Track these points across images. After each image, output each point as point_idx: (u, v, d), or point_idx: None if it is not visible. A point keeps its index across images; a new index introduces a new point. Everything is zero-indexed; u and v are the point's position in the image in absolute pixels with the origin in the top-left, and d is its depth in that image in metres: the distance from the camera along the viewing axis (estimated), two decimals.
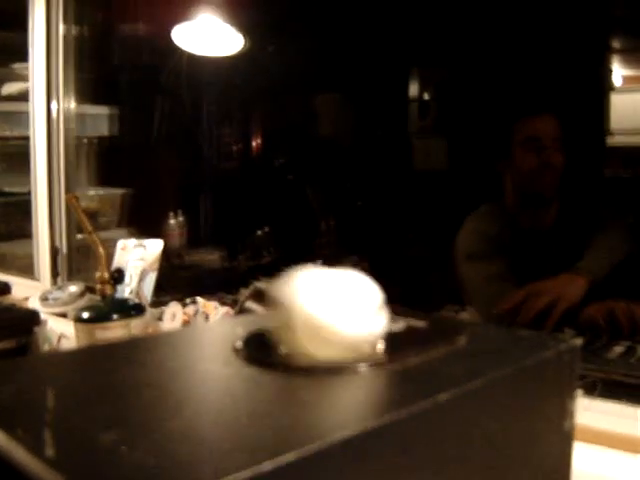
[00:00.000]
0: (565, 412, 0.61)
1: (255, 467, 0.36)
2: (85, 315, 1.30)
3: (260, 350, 0.56)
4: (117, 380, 0.52)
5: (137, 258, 1.68)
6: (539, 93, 2.12)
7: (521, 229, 1.76)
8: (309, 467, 0.39)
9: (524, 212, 1.76)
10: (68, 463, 0.38)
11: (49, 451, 0.39)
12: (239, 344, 0.58)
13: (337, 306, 0.53)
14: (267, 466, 0.37)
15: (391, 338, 0.59)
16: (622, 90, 2.45)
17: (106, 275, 1.33)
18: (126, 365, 0.56)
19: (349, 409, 0.48)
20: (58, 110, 2.07)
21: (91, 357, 0.61)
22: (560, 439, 0.61)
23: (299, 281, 0.55)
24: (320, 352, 0.53)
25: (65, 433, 0.42)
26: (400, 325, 0.64)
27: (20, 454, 0.39)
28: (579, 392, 0.65)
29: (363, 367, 0.53)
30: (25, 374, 0.54)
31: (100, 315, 1.30)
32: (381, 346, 0.57)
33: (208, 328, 0.76)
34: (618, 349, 1.36)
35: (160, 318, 1.57)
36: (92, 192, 2.38)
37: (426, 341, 0.60)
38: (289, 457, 0.38)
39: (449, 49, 2.36)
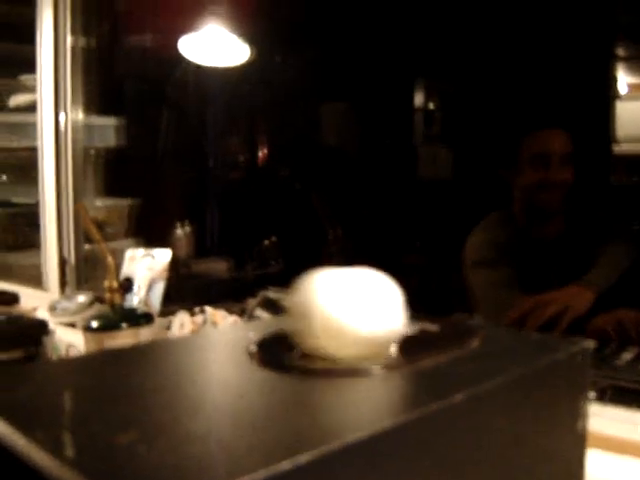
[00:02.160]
0: (578, 414, 0.61)
1: (271, 468, 0.36)
2: (94, 324, 1.30)
3: (274, 353, 0.57)
4: (132, 383, 0.52)
5: (145, 268, 1.68)
6: (548, 106, 2.12)
7: (529, 238, 1.76)
8: (324, 468, 0.39)
9: (531, 222, 1.77)
10: (88, 463, 0.38)
11: (69, 452, 0.40)
12: (253, 348, 0.59)
13: (356, 305, 0.53)
14: (283, 467, 0.37)
15: (405, 341, 0.59)
16: (628, 98, 2.45)
17: (115, 284, 1.34)
18: (141, 369, 0.56)
19: (364, 411, 0.48)
20: (66, 121, 2.08)
21: (105, 361, 0.61)
22: (573, 441, 0.61)
23: (317, 282, 0.55)
24: (340, 352, 0.54)
25: (83, 434, 0.42)
26: (414, 328, 0.64)
27: (40, 455, 0.39)
28: (591, 395, 0.65)
29: (378, 369, 0.53)
30: (41, 378, 0.54)
31: (109, 324, 1.30)
32: (395, 349, 0.57)
33: (221, 333, 0.76)
34: (627, 356, 1.36)
35: (169, 327, 1.57)
36: (99, 203, 2.38)
37: (440, 344, 0.60)
38: (304, 458, 0.38)
39: (455, 60, 2.36)
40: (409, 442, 0.44)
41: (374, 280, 0.56)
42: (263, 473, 0.36)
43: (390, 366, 0.54)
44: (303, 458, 0.38)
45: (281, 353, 0.56)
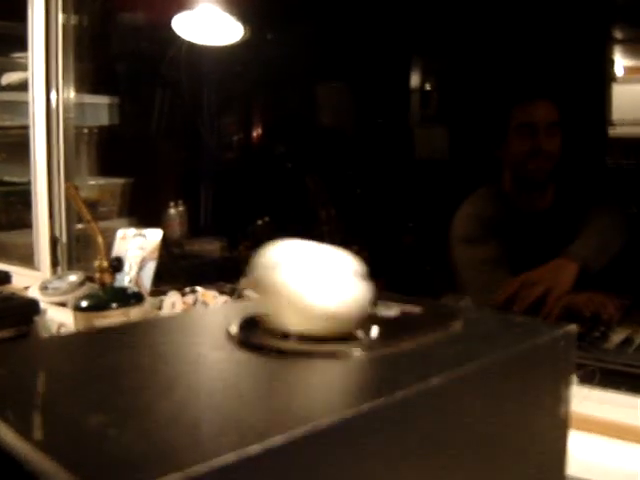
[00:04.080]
0: (560, 398, 0.60)
1: (243, 450, 0.36)
2: (84, 304, 1.30)
3: (254, 334, 0.56)
4: (107, 364, 0.52)
5: (136, 247, 1.68)
6: (536, 79, 2.13)
7: (517, 212, 1.76)
8: (298, 450, 0.39)
9: (520, 195, 1.77)
10: (56, 446, 0.37)
11: (37, 434, 0.39)
12: (233, 328, 0.58)
13: (309, 278, 0.53)
14: (255, 449, 0.36)
15: (385, 323, 0.59)
16: (625, 81, 2.44)
17: (105, 264, 1.33)
18: (117, 349, 0.56)
19: (340, 393, 0.48)
20: (57, 99, 2.07)
21: (84, 342, 0.61)
22: (555, 425, 0.61)
23: (274, 253, 0.55)
24: (295, 325, 0.54)
25: (54, 416, 0.42)
26: (395, 310, 0.64)
27: (9, 437, 0.39)
28: (575, 380, 0.64)
29: (356, 351, 0.53)
30: (17, 359, 0.54)
31: (99, 304, 1.30)
32: (375, 330, 0.57)
33: (203, 313, 0.76)
34: (616, 339, 1.36)
35: (159, 307, 1.57)
36: (92, 182, 2.38)
37: (420, 326, 0.60)
38: (277, 440, 0.37)
39: (449, 37, 2.35)
40: (385, 425, 0.44)
41: (332, 254, 0.56)
42: (233, 457, 0.36)
43: (369, 348, 0.54)
44: (275, 441, 0.37)
45: (260, 334, 0.56)
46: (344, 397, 0.47)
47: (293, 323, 0.54)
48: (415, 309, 0.65)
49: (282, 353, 0.52)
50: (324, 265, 0.54)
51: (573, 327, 0.62)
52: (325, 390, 0.48)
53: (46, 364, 0.53)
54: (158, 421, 0.40)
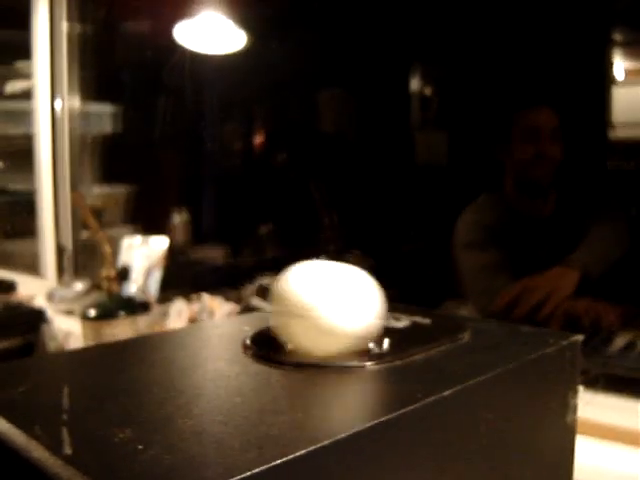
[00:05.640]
0: (567, 407, 0.62)
1: (264, 465, 0.37)
2: (92, 313, 1.32)
3: (269, 347, 0.57)
4: (128, 378, 0.53)
5: (142, 255, 1.69)
6: (538, 85, 2.14)
7: (519, 218, 1.77)
8: (318, 464, 0.40)
9: (522, 200, 1.78)
10: (86, 461, 0.39)
11: (67, 449, 0.40)
12: (247, 342, 0.59)
13: (333, 300, 0.54)
14: (277, 463, 0.38)
15: (396, 335, 0.60)
16: (625, 83, 2.45)
17: (112, 273, 1.35)
18: (136, 364, 0.57)
19: (356, 406, 0.49)
20: (62, 108, 2.08)
21: (101, 356, 0.62)
22: (563, 433, 0.62)
23: (297, 274, 0.56)
24: (317, 346, 0.55)
25: (81, 431, 0.43)
26: (404, 322, 0.65)
27: (38, 452, 0.40)
28: (581, 387, 0.66)
29: (369, 364, 0.54)
30: (37, 374, 0.55)
31: (107, 312, 1.31)
32: (386, 342, 0.58)
33: (216, 326, 0.77)
34: (618, 343, 1.37)
35: (166, 315, 1.58)
36: (97, 190, 2.38)
37: (430, 338, 0.61)
38: (298, 454, 0.39)
39: (450, 42, 2.36)
40: (401, 437, 0.45)
41: (353, 276, 0.57)
42: (257, 471, 0.37)
43: (381, 361, 0.55)
44: (297, 455, 0.39)
45: (275, 347, 0.57)
46: (359, 410, 0.48)
47: (320, 346, 0.55)
48: (424, 320, 0.66)
49: (297, 366, 0.54)
50: (344, 284, 0.55)
51: (579, 337, 0.63)
52: (340, 403, 0.49)
53: (68, 379, 0.54)
54: (182, 436, 0.41)
